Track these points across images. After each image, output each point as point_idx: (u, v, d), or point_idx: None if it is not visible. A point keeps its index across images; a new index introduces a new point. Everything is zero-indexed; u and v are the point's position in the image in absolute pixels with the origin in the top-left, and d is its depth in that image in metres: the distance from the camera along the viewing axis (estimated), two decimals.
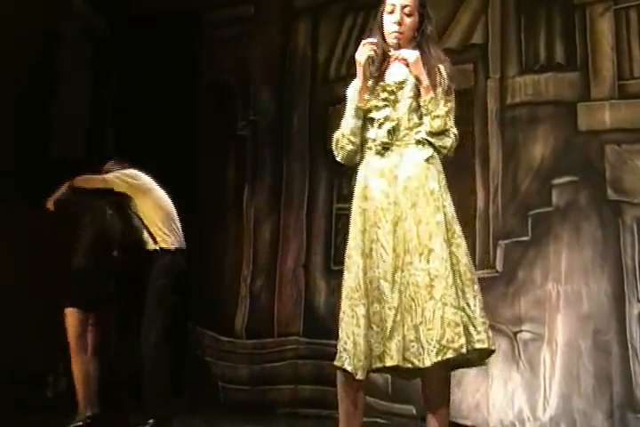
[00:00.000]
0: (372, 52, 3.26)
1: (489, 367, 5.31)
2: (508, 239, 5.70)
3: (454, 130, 3.25)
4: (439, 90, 3.20)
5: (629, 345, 5.13)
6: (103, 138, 7.38)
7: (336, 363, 3.15)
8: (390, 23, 3.28)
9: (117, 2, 7.32)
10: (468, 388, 5.47)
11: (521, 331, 5.46)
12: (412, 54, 3.21)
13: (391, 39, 3.27)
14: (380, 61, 3.34)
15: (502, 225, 5.76)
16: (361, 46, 3.28)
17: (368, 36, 3.34)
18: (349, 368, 3.08)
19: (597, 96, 5.63)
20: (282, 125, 6.93)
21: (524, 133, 5.84)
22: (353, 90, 3.36)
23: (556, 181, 5.62)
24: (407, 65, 3.23)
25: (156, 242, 5.06)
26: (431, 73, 3.21)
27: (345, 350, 3.11)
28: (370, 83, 3.33)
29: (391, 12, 3.26)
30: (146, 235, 5.09)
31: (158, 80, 7.07)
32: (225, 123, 7.21)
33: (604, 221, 5.39)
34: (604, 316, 5.24)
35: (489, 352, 3.24)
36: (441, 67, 3.26)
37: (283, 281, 6.66)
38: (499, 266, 5.69)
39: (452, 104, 3.25)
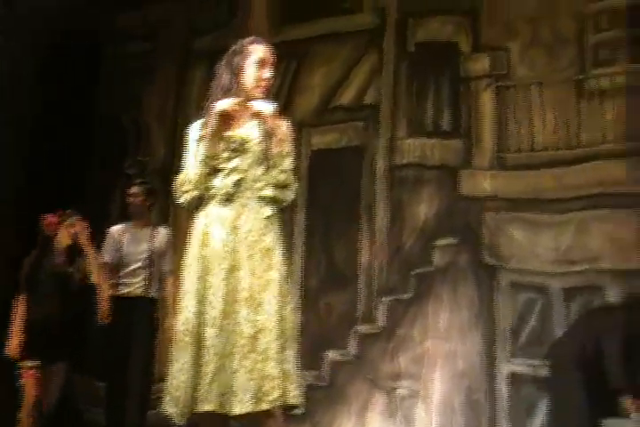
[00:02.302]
0: (236, 108, 3.12)
1: (366, 422, 5.22)
2: (390, 296, 5.57)
3: (296, 184, 3.14)
4: (285, 145, 3.09)
5: (498, 404, 5.04)
6: None
7: (162, 408, 2.99)
8: (260, 77, 3.15)
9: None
10: None
11: (399, 387, 5.32)
12: (269, 108, 3.06)
13: (258, 93, 3.12)
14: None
15: (385, 282, 5.61)
16: (229, 101, 3.09)
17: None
18: (172, 412, 2.94)
19: (479, 165, 5.57)
20: (172, 168, 6.62)
21: (410, 194, 5.72)
22: (197, 136, 3.15)
23: (438, 242, 5.53)
24: (261, 118, 3.09)
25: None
26: (281, 128, 3.10)
27: (169, 393, 2.97)
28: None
29: (261, 66, 3.13)
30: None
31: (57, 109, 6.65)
32: (115, 160, 6.91)
33: (480, 283, 5.30)
34: (477, 374, 5.11)
35: (294, 408, 3.07)
36: (288, 123, 3.14)
37: None
38: (380, 322, 5.55)
39: (293, 159, 3.14)
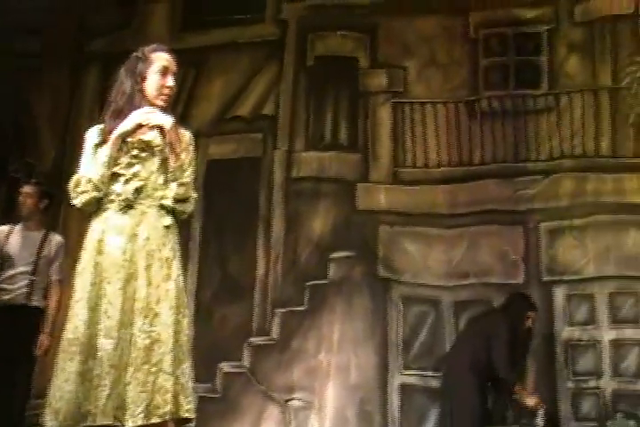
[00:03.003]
0: (146, 122, 2.94)
1: None
2: (285, 308, 5.43)
3: (195, 195, 2.99)
4: (185, 157, 2.94)
5: (389, 414, 4.99)
6: None
7: (41, 421, 2.77)
8: (163, 85, 2.99)
9: None
10: None
11: (292, 399, 5.16)
12: (169, 120, 2.91)
13: (160, 101, 2.97)
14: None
15: (280, 294, 5.47)
16: (145, 112, 2.91)
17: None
18: (51, 426, 2.73)
19: (375, 179, 5.54)
20: (62, 171, 6.27)
21: (307, 207, 5.60)
22: (97, 140, 2.96)
23: (334, 255, 5.43)
24: (160, 130, 2.92)
25: None
26: (181, 139, 2.94)
27: (50, 405, 2.76)
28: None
29: (164, 74, 2.98)
30: None
31: None
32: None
33: (374, 296, 5.23)
34: (370, 386, 5.04)
35: (187, 421, 2.93)
36: (188, 134, 3.00)
37: None
38: (275, 334, 5.40)
39: (194, 170, 2.99)
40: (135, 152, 2.93)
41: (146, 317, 2.78)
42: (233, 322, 5.51)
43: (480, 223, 5.22)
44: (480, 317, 4.75)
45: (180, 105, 5.98)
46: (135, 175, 2.92)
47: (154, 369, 2.73)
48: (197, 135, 5.72)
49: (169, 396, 2.72)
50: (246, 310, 5.50)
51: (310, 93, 5.87)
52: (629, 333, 4.78)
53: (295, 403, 5.16)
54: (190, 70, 6.12)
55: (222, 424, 5.21)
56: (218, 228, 5.76)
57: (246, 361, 5.36)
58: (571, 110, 5.25)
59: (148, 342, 2.76)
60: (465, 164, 5.41)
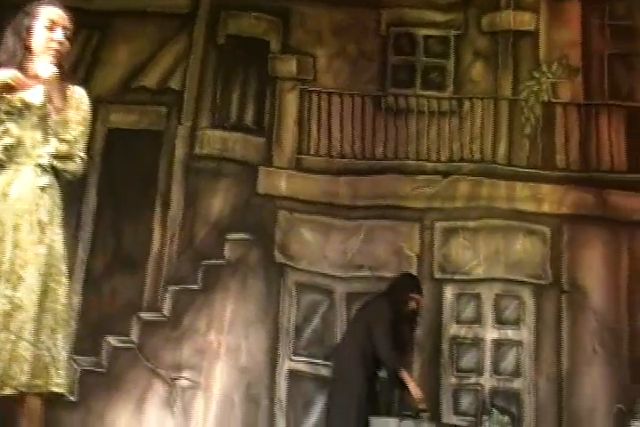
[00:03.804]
0: (12, 82, 2.59)
1: (144, 411, 4.82)
2: (178, 285, 5.12)
3: (82, 155, 2.68)
4: (72, 113, 2.67)
5: (276, 399, 4.84)
6: None
7: None
8: (50, 39, 2.71)
9: None
10: None
11: (180, 377, 4.90)
12: (48, 70, 2.61)
13: (48, 56, 2.68)
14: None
15: (174, 271, 5.14)
16: (9, 74, 2.58)
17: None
18: None
19: (278, 164, 5.30)
20: None
21: (207, 185, 5.28)
22: None
23: (231, 236, 5.17)
24: (40, 81, 2.62)
25: None
26: (66, 94, 2.67)
27: None
28: None
29: (51, 29, 2.71)
30: None
31: None
32: None
33: (269, 280, 5.03)
34: (258, 370, 4.86)
35: (60, 396, 2.65)
36: (80, 92, 2.73)
37: None
38: (166, 311, 5.09)
39: (84, 130, 2.71)
40: (7, 108, 2.60)
41: (8, 281, 2.49)
42: (124, 295, 5.15)
43: (378, 217, 5.13)
44: (366, 304, 4.65)
45: (81, 68, 5.48)
46: (5, 132, 2.61)
47: (13, 337, 2.45)
48: (98, 101, 5.41)
49: (26, 366, 2.44)
50: (138, 285, 5.16)
51: (219, 72, 5.53)
52: (510, 333, 4.87)
53: (182, 382, 4.92)
54: (95, 33, 5.61)
55: (105, 400, 4.88)
56: (114, 198, 5.35)
57: (135, 336, 5.04)
58: (472, 116, 5.24)
59: (8, 307, 2.47)
60: (368, 157, 5.29)
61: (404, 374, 4.28)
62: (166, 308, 5.10)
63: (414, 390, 4.26)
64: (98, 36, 5.61)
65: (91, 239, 5.27)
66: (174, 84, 5.52)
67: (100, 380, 4.90)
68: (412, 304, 4.41)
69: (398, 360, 4.29)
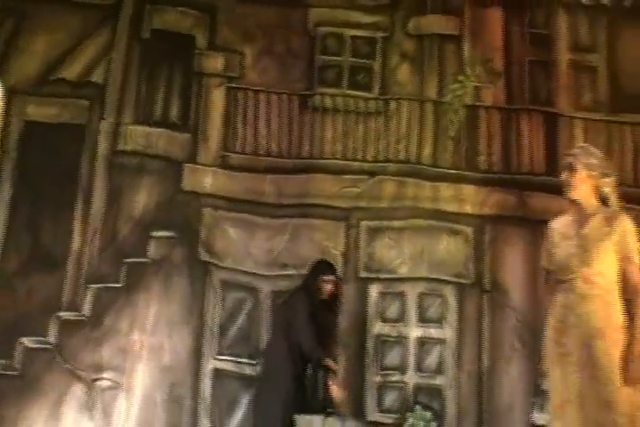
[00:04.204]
0: None
1: (60, 415, 4.60)
2: (99, 284, 4.91)
3: None
4: None
5: (200, 399, 4.70)
6: None
7: None
8: None
9: None
10: None
11: (100, 378, 4.71)
12: None
13: None
14: None
15: (95, 269, 4.91)
16: None
17: None
18: None
19: (203, 161, 5.14)
20: None
21: (131, 182, 5.07)
22: None
23: (155, 233, 4.98)
24: None
25: None
26: None
27: None
28: None
29: None
30: None
31: None
32: None
33: (193, 278, 4.89)
34: (182, 369, 4.72)
35: None
36: None
37: None
38: (86, 310, 4.86)
39: None
40: None
41: None
42: (41, 295, 4.90)
43: (304, 216, 5.07)
44: (284, 300, 4.57)
45: None
46: None
47: None
48: (13, 92, 5.15)
49: None
50: (57, 283, 4.92)
51: (143, 66, 5.34)
52: (433, 332, 4.88)
53: (103, 383, 4.72)
54: (9, 19, 5.33)
55: (19, 405, 4.63)
56: (33, 193, 5.09)
57: (52, 337, 4.81)
58: (398, 117, 5.23)
59: None
60: (294, 156, 5.21)
61: (330, 363, 4.18)
62: (87, 307, 4.89)
63: (336, 382, 4.16)
64: (13, 23, 5.33)
65: (4, 236, 5.00)
66: (96, 77, 5.30)
67: (12, 384, 4.65)
68: (326, 287, 4.25)
69: (321, 349, 4.16)
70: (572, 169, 2.97)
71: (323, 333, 4.21)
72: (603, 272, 2.87)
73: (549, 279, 3.02)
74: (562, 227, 2.99)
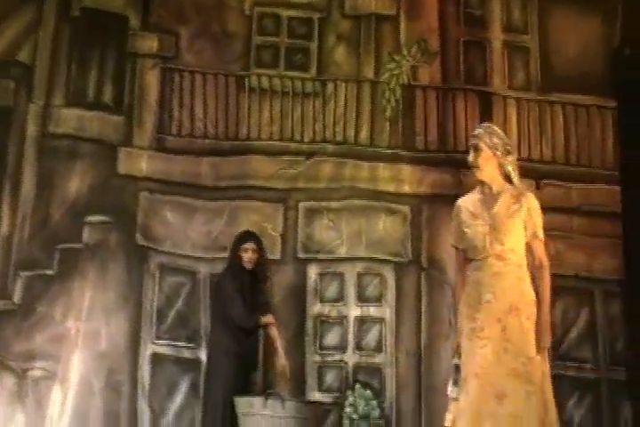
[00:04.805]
0: None
1: None
2: (30, 271, 4.68)
3: None
4: None
5: (139, 384, 4.54)
6: None
7: None
8: None
9: None
10: None
11: (33, 368, 4.47)
12: None
13: None
14: None
15: (26, 256, 4.69)
16: None
17: None
18: None
19: (138, 144, 4.94)
20: None
21: (63, 166, 4.83)
22: None
23: (89, 218, 4.78)
24: None
25: None
26: None
27: None
28: None
29: None
30: None
31: None
32: None
33: (130, 263, 4.71)
34: (120, 355, 4.55)
35: None
36: None
37: None
38: (17, 298, 4.63)
39: None
40: None
41: None
42: None
43: (242, 198, 4.93)
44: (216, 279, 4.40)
45: None
46: None
47: None
48: None
49: None
50: None
51: (73, 46, 5.09)
52: (372, 311, 4.83)
53: (36, 373, 4.51)
54: None
55: None
56: None
57: None
58: (335, 97, 5.13)
59: None
60: (231, 138, 5.07)
61: (267, 318, 4.03)
62: (17, 295, 4.67)
63: (279, 345, 4.02)
64: None
65: None
66: (23, 57, 5.02)
67: None
68: (247, 255, 4.09)
69: (255, 317, 3.99)
70: (476, 150, 2.99)
71: (254, 303, 4.06)
72: (514, 249, 2.94)
73: (459, 257, 3.05)
74: (470, 206, 3.03)
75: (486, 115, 5.04)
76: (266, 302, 4.21)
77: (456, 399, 2.91)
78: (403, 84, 5.12)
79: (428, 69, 5.17)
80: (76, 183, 4.89)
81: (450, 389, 2.93)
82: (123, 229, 4.81)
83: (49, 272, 4.70)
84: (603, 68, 5.16)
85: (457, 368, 2.92)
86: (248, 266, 4.08)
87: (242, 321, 3.97)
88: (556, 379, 4.58)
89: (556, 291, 4.49)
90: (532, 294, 2.93)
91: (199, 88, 5.15)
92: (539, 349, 2.87)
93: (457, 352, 3.00)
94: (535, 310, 2.91)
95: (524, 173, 4.35)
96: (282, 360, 4.03)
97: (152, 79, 5.11)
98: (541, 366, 2.88)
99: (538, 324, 2.89)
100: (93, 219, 4.82)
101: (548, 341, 2.90)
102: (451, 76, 5.18)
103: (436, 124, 5.09)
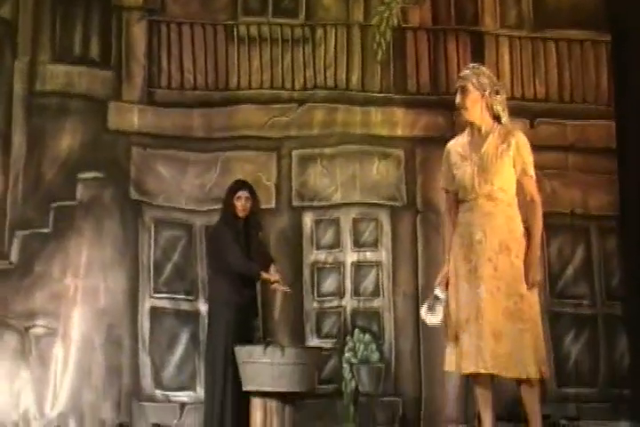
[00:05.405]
0: None
1: None
2: (26, 230, 4.57)
3: None
4: None
5: (139, 338, 4.47)
6: None
7: None
8: None
9: None
10: None
11: (34, 326, 4.41)
12: None
13: None
14: None
15: (21, 215, 4.59)
16: None
17: None
18: None
19: (128, 98, 4.79)
20: None
21: (53, 124, 4.69)
22: None
23: (82, 175, 4.65)
24: None
25: None
26: None
27: None
28: None
29: None
30: None
31: None
32: None
33: (125, 219, 4.60)
34: (119, 311, 4.48)
35: None
36: None
37: None
38: (14, 257, 4.54)
39: None
40: None
41: None
42: None
43: (234, 148, 4.79)
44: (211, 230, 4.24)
45: None
46: None
47: None
48: None
49: None
50: None
51: (57, 0, 4.93)
52: (369, 255, 4.72)
53: (37, 330, 4.45)
54: None
55: None
56: None
57: None
58: (325, 43, 4.93)
59: None
60: (221, 88, 4.90)
61: (267, 275, 3.89)
62: (14, 254, 4.59)
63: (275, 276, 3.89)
64: None
65: None
66: (4, 12, 4.85)
67: None
68: (240, 203, 3.91)
69: (255, 264, 3.84)
70: (464, 91, 2.88)
71: (252, 251, 3.93)
72: (504, 188, 2.85)
73: (449, 199, 2.97)
74: (460, 148, 2.93)
75: (478, 55, 4.84)
76: (265, 252, 4.08)
77: (436, 325, 2.87)
78: (393, 26, 4.91)
79: (418, 11, 4.96)
80: (66, 141, 4.77)
81: (423, 312, 2.86)
82: (116, 184, 4.70)
83: (45, 231, 4.61)
84: (596, 0, 4.94)
85: (436, 298, 2.84)
86: (242, 214, 3.94)
87: (241, 267, 3.84)
88: (554, 316, 4.60)
89: (552, 228, 4.44)
90: (521, 230, 2.83)
91: (187, 39, 4.98)
92: (528, 284, 2.78)
93: (440, 285, 2.90)
94: (524, 248, 2.82)
95: (518, 112, 4.25)
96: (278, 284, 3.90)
97: (139, 32, 4.93)
98: (533, 304, 2.81)
99: (526, 259, 2.79)
100: (86, 175, 4.71)
101: (536, 276, 2.80)
102: (441, 16, 4.98)
103: (428, 66, 4.90)
